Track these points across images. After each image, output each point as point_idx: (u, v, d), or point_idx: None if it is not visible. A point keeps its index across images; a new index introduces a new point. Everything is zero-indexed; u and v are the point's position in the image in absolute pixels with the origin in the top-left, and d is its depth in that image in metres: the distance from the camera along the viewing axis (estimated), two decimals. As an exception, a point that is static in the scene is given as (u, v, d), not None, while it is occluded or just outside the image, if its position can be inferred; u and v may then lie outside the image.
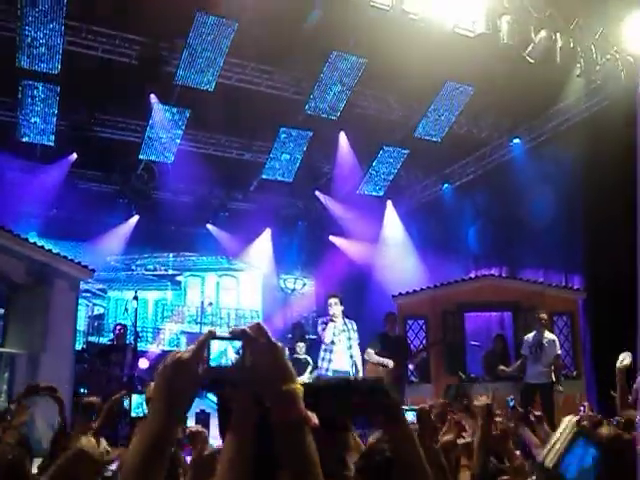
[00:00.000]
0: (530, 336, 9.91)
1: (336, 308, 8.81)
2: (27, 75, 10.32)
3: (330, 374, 8.56)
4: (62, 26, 9.44)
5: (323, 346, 8.83)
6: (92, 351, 11.35)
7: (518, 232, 13.22)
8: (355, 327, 8.93)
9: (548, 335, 9.82)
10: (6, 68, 9.93)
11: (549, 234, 12.30)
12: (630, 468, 1.70)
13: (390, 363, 9.36)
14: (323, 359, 8.82)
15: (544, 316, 9.94)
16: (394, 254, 15.29)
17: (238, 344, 1.39)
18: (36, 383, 4.23)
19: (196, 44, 9.86)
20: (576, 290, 11.85)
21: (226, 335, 1.42)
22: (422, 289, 12.07)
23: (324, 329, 8.76)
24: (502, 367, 10.33)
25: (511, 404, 4.76)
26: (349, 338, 8.76)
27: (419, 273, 14.27)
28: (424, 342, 11.50)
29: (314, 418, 1.36)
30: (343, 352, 8.72)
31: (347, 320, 8.93)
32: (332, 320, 8.75)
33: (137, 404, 6.36)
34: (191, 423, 9.75)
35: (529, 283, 11.91)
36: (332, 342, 8.70)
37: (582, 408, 7.53)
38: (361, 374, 8.88)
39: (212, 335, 1.42)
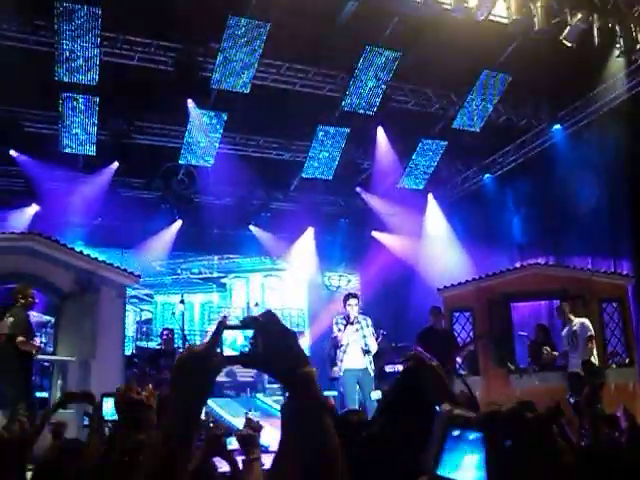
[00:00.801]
0: (564, 330, 9.81)
1: (356, 309, 9.01)
2: (66, 87, 10.50)
3: (342, 373, 8.80)
4: (98, 38, 9.60)
5: (340, 347, 8.95)
6: (141, 356, 11.52)
7: (563, 220, 13.01)
8: (369, 322, 9.10)
9: (577, 320, 9.67)
10: (46, 82, 10.13)
11: (595, 220, 12.08)
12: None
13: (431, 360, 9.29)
14: (337, 358, 8.99)
15: (565, 304, 9.83)
16: (437, 247, 15.18)
17: (250, 332, 1.41)
18: (72, 391, 4.32)
19: (230, 47, 9.93)
20: (625, 276, 11.63)
21: (238, 324, 1.45)
22: (467, 281, 11.97)
23: (340, 330, 8.91)
24: (546, 348, 10.16)
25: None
26: (364, 336, 8.92)
27: (464, 265, 14.13)
28: (471, 334, 11.41)
29: (331, 401, 1.38)
30: (357, 351, 8.88)
31: (361, 317, 9.12)
32: (351, 323, 8.91)
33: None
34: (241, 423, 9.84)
35: (575, 270, 11.73)
36: (347, 344, 8.87)
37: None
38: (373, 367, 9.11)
39: (224, 325, 1.45)
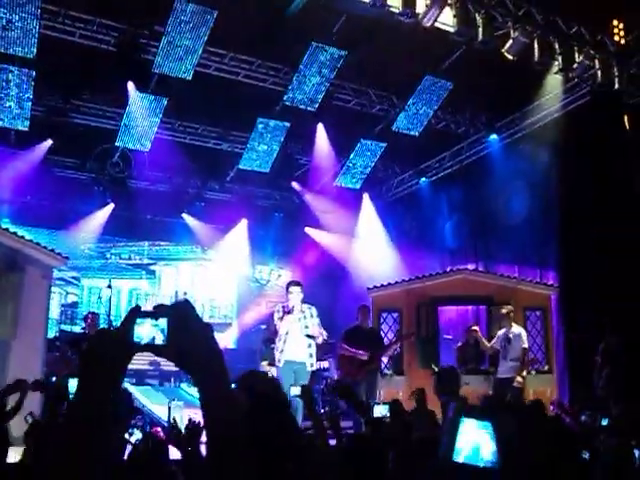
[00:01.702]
0: (501, 331, 10.03)
1: (298, 298, 8.51)
2: (2, 59, 10.17)
3: (281, 364, 8.35)
4: (38, 9, 9.31)
5: (278, 336, 8.58)
6: (64, 339, 11.25)
7: (493, 228, 13.31)
8: (315, 312, 8.61)
9: (514, 329, 9.89)
10: (-20, 51, 9.79)
11: (524, 230, 12.40)
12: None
13: (364, 355, 9.37)
14: (276, 349, 8.54)
15: (504, 311, 10.02)
16: (370, 247, 15.33)
17: (163, 322, 1.36)
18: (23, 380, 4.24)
19: (175, 32, 9.77)
20: (549, 286, 11.96)
21: (152, 311, 1.39)
22: (397, 282, 12.15)
23: (280, 318, 8.51)
24: (486, 343, 10.33)
25: None
26: (305, 326, 8.47)
27: (395, 266, 14.32)
28: (396, 335, 11.55)
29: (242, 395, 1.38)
30: (298, 342, 8.43)
31: (306, 306, 8.61)
32: (289, 312, 8.44)
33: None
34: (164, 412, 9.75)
35: (503, 278, 12.00)
36: (286, 333, 8.43)
37: (552, 407, 7.58)
38: (314, 362, 8.66)
39: (138, 311, 1.40)
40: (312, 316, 8.58)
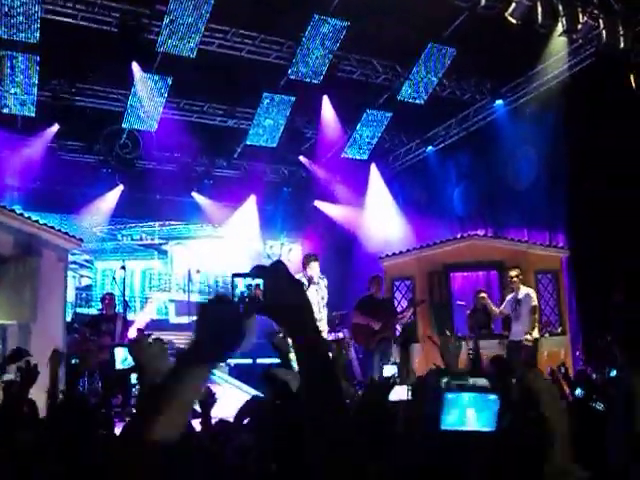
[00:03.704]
0: (510, 296, 10.14)
1: (317, 270, 8.98)
2: (5, 45, 10.20)
3: None
4: (39, -6, 9.33)
5: None
6: (82, 321, 11.39)
7: (502, 193, 13.35)
8: (326, 283, 9.09)
9: (523, 290, 10.02)
10: (-17, 38, 9.81)
11: (532, 194, 12.44)
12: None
13: (376, 324, 9.48)
14: None
15: (513, 273, 10.12)
16: (379, 217, 15.37)
17: (260, 281, 1.50)
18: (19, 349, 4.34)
19: (177, 10, 9.77)
20: (560, 248, 11.99)
21: (248, 273, 1.54)
22: (408, 250, 12.20)
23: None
24: (494, 309, 10.46)
25: None
26: (322, 297, 8.96)
27: (405, 235, 14.37)
28: (410, 303, 11.63)
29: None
30: (317, 312, 8.79)
31: (321, 276, 9.08)
32: (314, 283, 8.89)
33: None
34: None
35: (513, 242, 12.03)
36: None
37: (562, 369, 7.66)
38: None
39: (235, 274, 1.57)
40: (326, 286, 9.08)
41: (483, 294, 10.80)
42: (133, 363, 3.32)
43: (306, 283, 8.91)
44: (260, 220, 16.69)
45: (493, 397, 1.58)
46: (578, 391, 4.81)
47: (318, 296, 8.91)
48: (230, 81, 12.26)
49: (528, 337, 9.68)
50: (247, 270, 1.54)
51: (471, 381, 1.58)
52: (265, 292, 1.47)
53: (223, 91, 12.77)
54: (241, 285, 1.56)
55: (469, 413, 1.57)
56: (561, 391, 5.62)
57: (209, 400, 3.93)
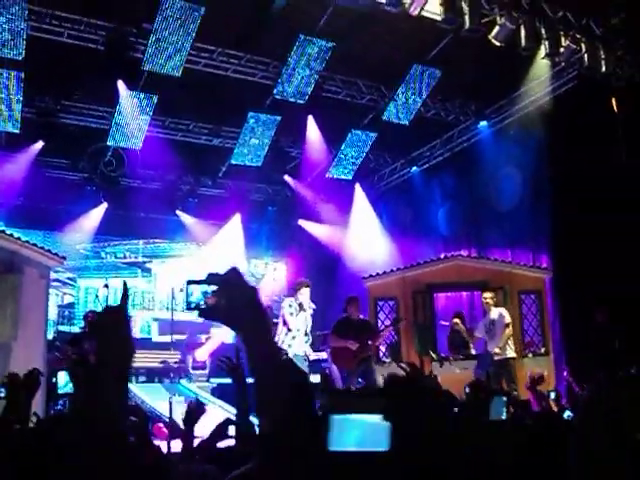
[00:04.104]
0: (484, 318, 10.31)
1: (307, 296, 9.09)
2: (-9, 62, 10.19)
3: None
4: (25, 10, 9.31)
5: (285, 330, 8.96)
6: (64, 339, 11.29)
7: (486, 213, 13.44)
8: (312, 311, 9.27)
9: (495, 310, 10.24)
10: (-32, 54, 9.79)
11: (516, 215, 12.52)
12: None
13: (353, 345, 9.40)
14: (283, 342, 8.96)
15: (487, 295, 10.34)
16: (364, 237, 15.40)
17: (214, 288, 1.51)
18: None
19: (163, 29, 9.78)
20: (543, 269, 12.07)
21: (202, 280, 1.54)
22: (392, 270, 12.22)
23: (292, 314, 8.90)
24: (467, 334, 10.60)
25: None
26: (308, 325, 9.13)
27: (389, 255, 14.39)
28: (393, 323, 11.62)
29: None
30: (303, 338, 9.07)
31: (311, 304, 9.22)
32: (304, 310, 8.95)
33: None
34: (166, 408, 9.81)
35: (497, 263, 12.10)
36: (298, 329, 8.90)
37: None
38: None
39: (188, 281, 1.57)
40: (312, 314, 9.26)
41: (456, 320, 10.93)
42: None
43: (297, 308, 8.96)
44: (244, 239, 16.66)
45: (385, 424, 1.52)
46: (567, 413, 4.83)
47: (306, 322, 8.98)
48: (215, 100, 12.29)
49: (497, 350, 9.79)
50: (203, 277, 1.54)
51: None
52: (219, 299, 1.47)
53: (208, 110, 12.80)
54: (197, 292, 1.56)
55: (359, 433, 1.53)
56: (541, 402, 5.63)
57: (198, 411, 3.88)
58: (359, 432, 1.48)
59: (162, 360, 13.83)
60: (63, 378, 5.53)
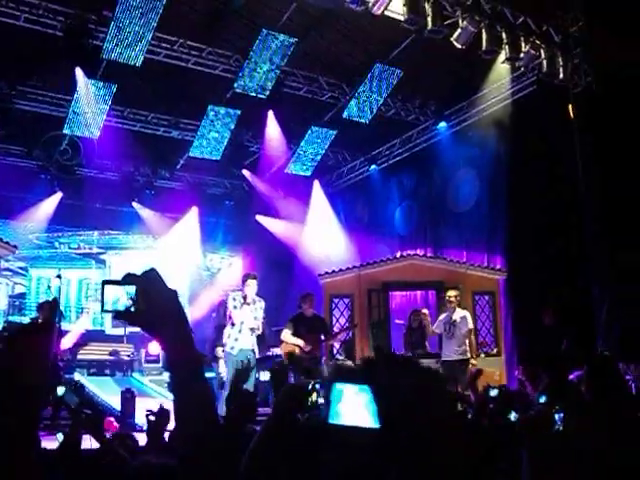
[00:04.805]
0: (443, 315, 10.28)
1: (254, 290, 8.95)
2: (-58, 43, 9.92)
3: (235, 352, 8.79)
4: (-19, -7, 9.11)
5: (230, 324, 8.91)
6: (13, 330, 11.07)
7: (443, 213, 13.56)
8: (263, 305, 9.05)
9: (459, 312, 10.16)
10: None
11: (473, 216, 12.66)
12: None
13: (302, 343, 9.41)
14: (230, 336, 8.93)
15: (452, 293, 10.28)
16: (321, 234, 15.42)
17: (132, 289, 1.42)
18: None
19: (124, 17, 9.65)
20: (497, 270, 12.21)
21: (119, 280, 1.45)
22: (348, 268, 12.25)
23: (236, 307, 8.84)
24: (430, 328, 10.61)
25: None
26: (255, 317, 8.91)
27: (346, 253, 14.44)
28: (348, 321, 11.66)
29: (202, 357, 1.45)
30: (248, 332, 8.90)
31: (257, 298, 9.03)
32: (248, 303, 8.87)
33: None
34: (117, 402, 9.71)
35: (452, 263, 12.21)
36: (242, 322, 8.82)
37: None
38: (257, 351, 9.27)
39: (104, 281, 1.49)
40: (261, 308, 9.03)
41: (425, 310, 10.93)
42: None
43: (241, 301, 8.88)
44: (201, 232, 16.54)
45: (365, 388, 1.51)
46: (513, 415, 4.88)
47: (251, 316, 8.87)
48: (175, 92, 12.18)
49: (473, 362, 9.83)
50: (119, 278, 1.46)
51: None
52: (137, 301, 1.40)
53: (168, 101, 12.67)
54: (111, 293, 1.50)
55: (354, 407, 1.51)
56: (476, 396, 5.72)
57: (161, 421, 3.80)
58: (358, 408, 1.47)
59: (112, 351, 13.67)
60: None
